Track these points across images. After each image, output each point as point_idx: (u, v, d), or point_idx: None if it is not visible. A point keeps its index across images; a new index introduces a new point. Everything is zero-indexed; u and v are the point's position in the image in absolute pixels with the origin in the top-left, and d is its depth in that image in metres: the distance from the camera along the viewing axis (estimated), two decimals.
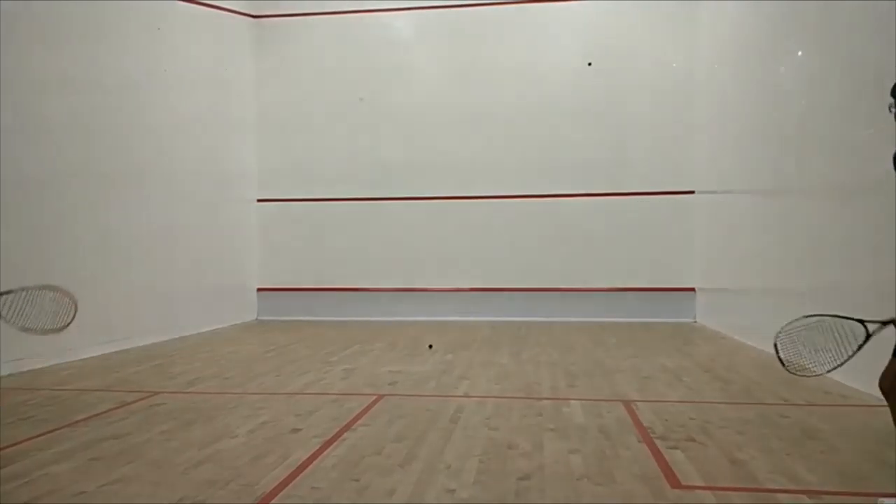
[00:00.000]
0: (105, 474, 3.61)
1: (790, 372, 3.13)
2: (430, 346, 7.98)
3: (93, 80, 7.85)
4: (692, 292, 10.24)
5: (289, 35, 11.50)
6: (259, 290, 11.43)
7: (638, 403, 5.11)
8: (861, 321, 2.99)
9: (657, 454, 3.88)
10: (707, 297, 9.91)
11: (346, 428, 4.49)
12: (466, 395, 5.48)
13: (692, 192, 10.35)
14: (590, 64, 10.56)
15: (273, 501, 3.22)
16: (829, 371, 3.02)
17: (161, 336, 8.71)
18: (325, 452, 3.96)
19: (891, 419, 2.77)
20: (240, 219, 11.11)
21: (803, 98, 6.73)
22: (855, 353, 2.96)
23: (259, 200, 11.46)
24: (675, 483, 3.40)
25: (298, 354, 7.65)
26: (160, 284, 8.87)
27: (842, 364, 2.99)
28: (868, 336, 2.97)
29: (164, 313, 8.89)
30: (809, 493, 3.26)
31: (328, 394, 5.59)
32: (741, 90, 8.48)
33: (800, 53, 6.82)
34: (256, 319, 11.26)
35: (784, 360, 3.09)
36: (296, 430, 4.45)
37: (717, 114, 9.49)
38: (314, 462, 3.79)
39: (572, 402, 5.23)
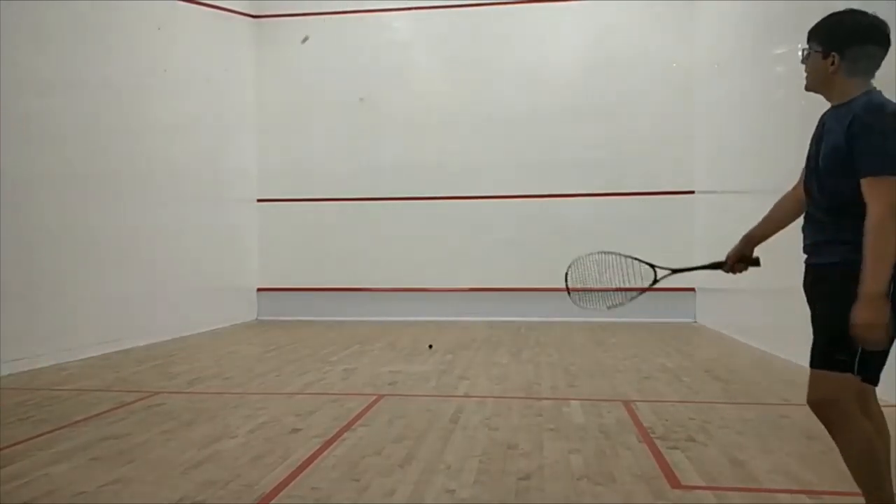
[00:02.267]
0: (105, 474, 3.61)
1: (573, 303, 3.39)
2: (430, 346, 7.98)
3: (92, 80, 7.84)
4: (692, 292, 10.23)
5: (289, 35, 11.49)
6: (259, 290, 11.42)
7: (638, 403, 5.11)
8: (652, 266, 3.26)
9: (657, 454, 3.88)
10: (707, 297, 9.91)
11: (346, 428, 4.49)
12: (466, 395, 5.48)
13: (692, 192, 10.35)
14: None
15: (273, 501, 3.22)
16: (609, 308, 3.28)
17: (161, 336, 8.70)
18: (325, 452, 3.96)
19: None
20: (240, 219, 11.10)
21: (803, 98, 6.72)
22: (639, 294, 3.21)
23: (259, 200, 11.46)
24: (675, 483, 3.40)
25: (298, 354, 7.65)
26: (160, 284, 8.87)
27: (624, 304, 3.25)
28: (655, 281, 3.26)
29: (164, 313, 8.89)
30: (809, 493, 3.26)
31: (328, 394, 5.59)
32: (741, 90, 8.48)
33: (799, 53, 6.80)
34: (256, 319, 11.26)
35: (570, 289, 3.34)
36: (296, 430, 4.45)
37: (717, 114, 9.48)
38: (314, 462, 3.79)
39: (572, 402, 5.23)
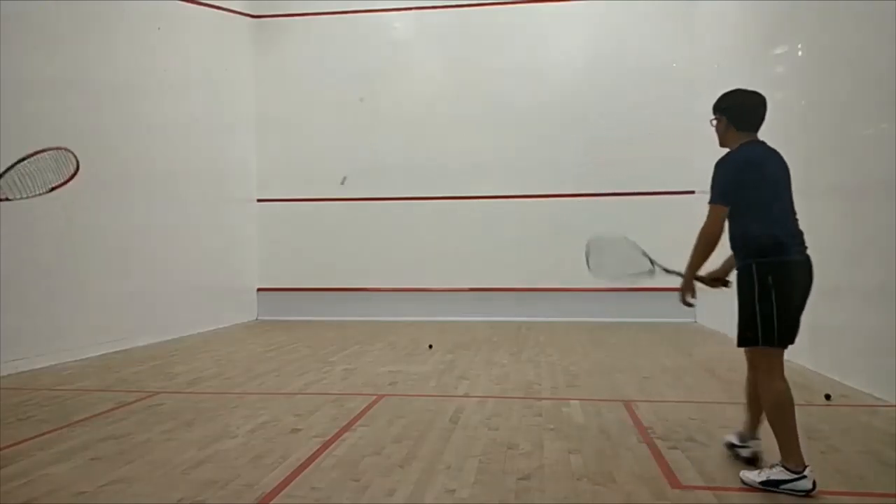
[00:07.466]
0: (105, 474, 3.61)
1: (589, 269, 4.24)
2: (430, 346, 7.98)
3: (92, 81, 7.84)
4: None
5: (289, 35, 11.49)
6: (259, 290, 11.42)
7: (638, 403, 5.11)
8: (652, 261, 4.17)
9: (657, 454, 3.88)
10: (707, 297, 9.86)
11: (346, 428, 4.49)
12: (466, 395, 5.48)
13: (692, 192, 10.33)
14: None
15: (273, 501, 3.22)
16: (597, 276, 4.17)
17: (161, 336, 8.70)
18: (325, 452, 3.96)
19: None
20: (240, 219, 11.10)
21: (803, 98, 6.73)
22: (629, 278, 4.05)
23: (259, 200, 11.46)
24: (675, 483, 3.40)
25: (298, 354, 7.65)
26: (160, 284, 8.87)
27: (614, 279, 4.24)
28: (650, 272, 4.13)
29: (164, 313, 8.89)
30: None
31: (328, 394, 5.59)
32: None
33: (800, 53, 6.82)
34: (256, 319, 11.26)
35: (590, 264, 4.27)
36: (296, 430, 4.45)
37: None
38: (314, 462, 3.79)
39: (572, 402, 5.23)
